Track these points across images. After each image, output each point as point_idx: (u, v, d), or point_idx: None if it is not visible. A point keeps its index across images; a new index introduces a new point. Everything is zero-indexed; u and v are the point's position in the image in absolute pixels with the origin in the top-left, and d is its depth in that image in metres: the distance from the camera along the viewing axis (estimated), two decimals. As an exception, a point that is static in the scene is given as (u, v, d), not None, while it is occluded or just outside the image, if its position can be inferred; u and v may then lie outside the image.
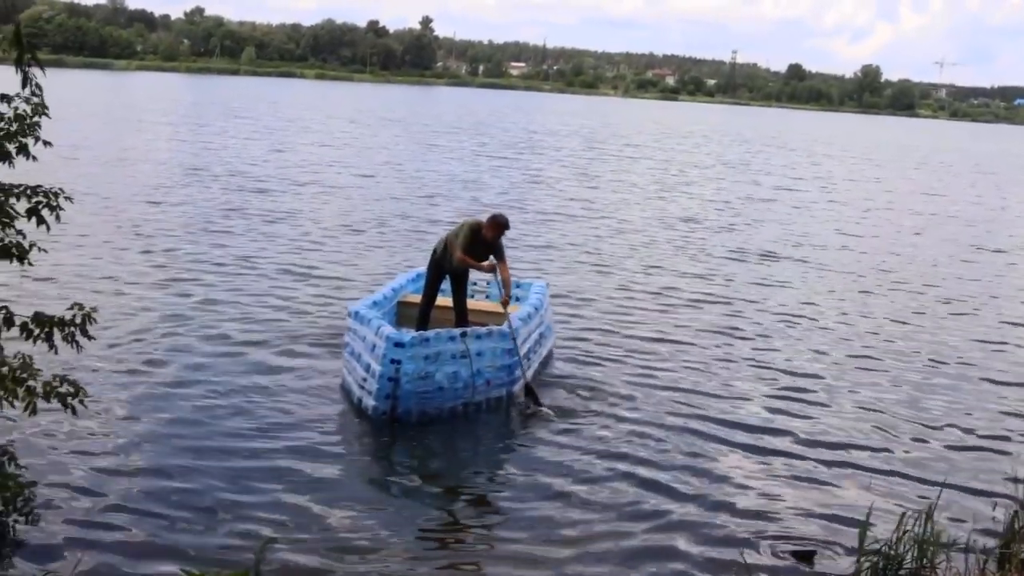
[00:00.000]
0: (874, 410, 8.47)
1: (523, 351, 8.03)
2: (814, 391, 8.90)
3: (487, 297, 9.78)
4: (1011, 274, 16.48)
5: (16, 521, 5.30)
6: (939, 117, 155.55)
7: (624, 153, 38.20)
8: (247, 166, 24.08)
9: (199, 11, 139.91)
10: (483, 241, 8.35)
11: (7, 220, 5.18)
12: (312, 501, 5.97)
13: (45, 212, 5.23)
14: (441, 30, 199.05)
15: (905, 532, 5.20)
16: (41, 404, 5.21)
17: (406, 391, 7.23)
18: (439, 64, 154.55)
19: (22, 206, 5.23)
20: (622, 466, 6.79)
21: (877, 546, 5.20)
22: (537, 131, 48.24)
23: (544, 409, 7.75)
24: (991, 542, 5.61)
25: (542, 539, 5.71)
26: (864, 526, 5.19)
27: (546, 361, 9.00)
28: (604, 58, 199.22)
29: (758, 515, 6.22)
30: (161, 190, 19.08)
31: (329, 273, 12.60)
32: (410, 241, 15.31)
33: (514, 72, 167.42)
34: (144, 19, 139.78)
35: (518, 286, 9.52)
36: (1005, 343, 11.37)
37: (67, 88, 51.16)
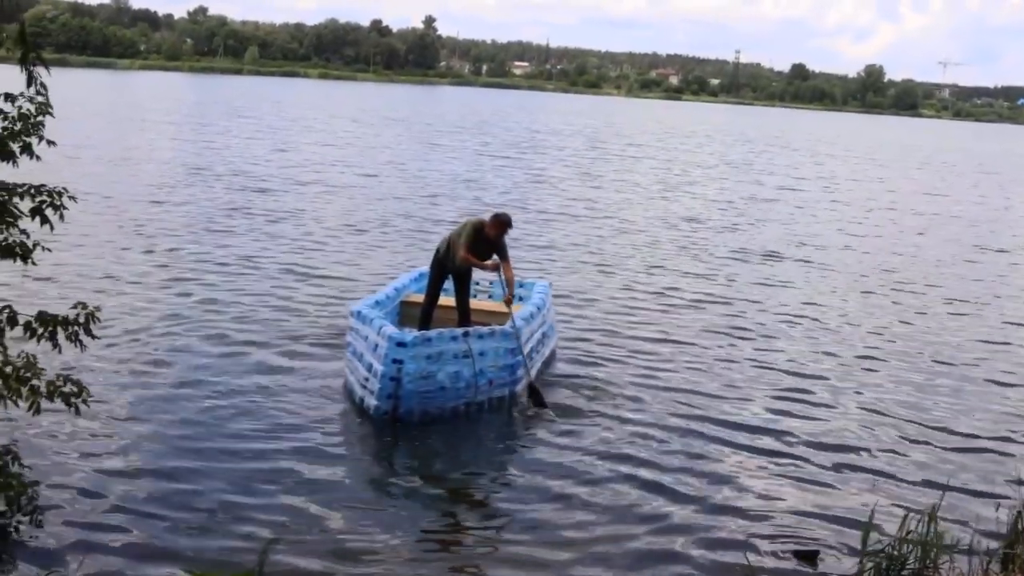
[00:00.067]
0: (877, 411, 8.46)
1: (526, 350, 8.02)
2: (817, 392, 8.89)
3: (490, 297, 9.78)
4: (1014, 274, 16.45)
5: (19, 522, 5.31)
6: (942, 117, 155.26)
7: (627, 153, 38.19)
8: (250, 166, 24.10)
9: (202, 10, 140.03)
10: (486, 240, 8.36)
11: (11, 219, 5.18)
12: (314, 502, 5.97)
13: (49, 211, 5.22)
14: (444, 30, 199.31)
15: (908, 533, 5.19)
16: (43, 404, 5.21)
17: (408, 391, 7.22)
18: (442, 64, 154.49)
19: (26, 205, 5.23)
20: (624, 467, 6.79)
21: (880, 547, 5.19)
22: (540, 131, 48.23)
23: (546, 410, 7.75)
24: (994, 543, 5.59)
25: (544, 541, 5.70)
26: (867, 527, 5.17)
27: (549, 361, 8.99)
28: (608, 57, 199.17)
29: (761, 516, 6.21)
30: (164, 189, 19.11)
31: (331, 273, 12.60)
32: (413, 241, 15.32)
33: (517, 72, 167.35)
34: (147, 18, 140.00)
35: (521, 286, 9.50)
36: (1008, 343, 11.35)
37: (70, 87, 51.21)
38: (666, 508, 6.23)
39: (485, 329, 7.83)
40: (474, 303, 9.02)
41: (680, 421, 7.78)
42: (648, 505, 6.26)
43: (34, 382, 5.17)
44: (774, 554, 5.74)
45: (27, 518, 5.32)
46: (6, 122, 5.18)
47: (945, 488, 6.19)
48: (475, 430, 7.51)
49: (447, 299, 8.78)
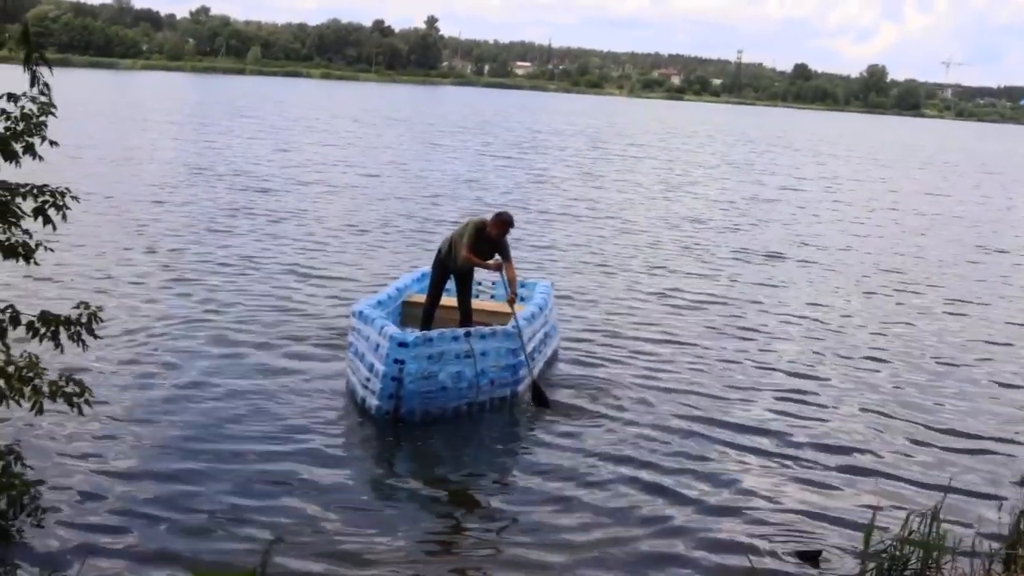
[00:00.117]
0: (879, 412, 8.45)
1: (528, 350, 8.02)
2: (819, 392, 8.88)
3: (492, 297, 9.79)
4: (1016, 275, 16.43)
5: (21, 523, 5.31)
6: (945, 117, 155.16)
7: (629, 153, 38.17)
8: (252, 165, 24.11)
9: (204, 10, 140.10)
10: (488, 239, 8.36)
11: (13, 219, 5.18)
12: (315, 504, 5.97)
13: (51, 212, 5.22)
14: (446, 30, 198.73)
15: (910, 534, 5.19)
16: (45, 404, 5.22)
17: (409, 391, 7.23)
18: (444, 64, 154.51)
19: (28, 205, 5.23)
20: (626, 469, 6.78)
21: (882, 548, 5.19)
22: (542, 131, 48.22)
23: (548, 410, 7.75)
24: (996, 544, 5.59)
25: (546, 543, 5.70)
26: (869, 528, 5.18)
27: (551, 362, 9.00)
28: (610, 58, 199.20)
29: (763, 517, 6.21)
30: (166, 189, 19.12)
31: (333, 273, 12.61)
32: (415, 241, 15.32)
33: (519, 72, 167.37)
34: (150, 18, 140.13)
35: (523, 286, 9.51)
36: (1011, 344, 11.34)
37: (73, 87, 51.25)
38: (668, 509, 6.23)
39: (487, 329, 7.83)
40: (476, 303, 9.02)
41: (682, 422, 7.78)
42: (650, 506, 6.26)
43: (36, 382, 5.17)
44: (776, 555, 5.73)
45: (29, 519, 5.33)
46: (9, 122, 5.18)
47: (947, 489, 6.18)
48: (477, 431, 7.51)
49: (449, 299, 8.78)
